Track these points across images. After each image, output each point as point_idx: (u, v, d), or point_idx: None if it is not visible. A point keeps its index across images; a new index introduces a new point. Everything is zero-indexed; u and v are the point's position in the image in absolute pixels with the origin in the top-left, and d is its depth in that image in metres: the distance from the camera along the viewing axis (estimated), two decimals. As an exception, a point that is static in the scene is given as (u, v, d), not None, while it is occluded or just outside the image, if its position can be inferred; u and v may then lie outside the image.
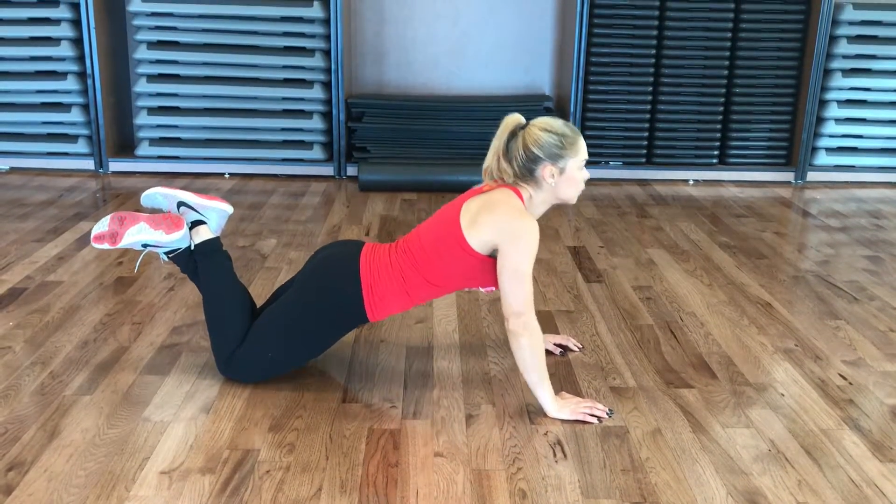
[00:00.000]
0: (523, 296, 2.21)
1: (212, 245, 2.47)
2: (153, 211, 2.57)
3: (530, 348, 2.22)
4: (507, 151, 2.31)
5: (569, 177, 2.30)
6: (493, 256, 2.29)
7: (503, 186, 2.33)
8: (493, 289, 2.41)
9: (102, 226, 2.43)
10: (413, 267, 2.32)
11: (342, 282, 2.34)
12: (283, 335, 2.35)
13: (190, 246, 2.46)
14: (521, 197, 2.31)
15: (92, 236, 2.44)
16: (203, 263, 2.45)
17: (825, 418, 2.32)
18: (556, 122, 2.30)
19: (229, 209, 2.58)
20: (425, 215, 4.27)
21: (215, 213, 2.54)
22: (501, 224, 2.24)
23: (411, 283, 2.33)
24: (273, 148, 5.04)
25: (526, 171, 2.30)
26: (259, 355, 2.37)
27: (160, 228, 2.41)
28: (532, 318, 2.22)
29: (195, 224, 2.48)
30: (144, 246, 2.43)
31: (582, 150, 2.31)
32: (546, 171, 2.28)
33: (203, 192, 2.59)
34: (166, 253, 2.46)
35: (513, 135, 2.31)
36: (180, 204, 2.51)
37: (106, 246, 2.42)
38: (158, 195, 2.53)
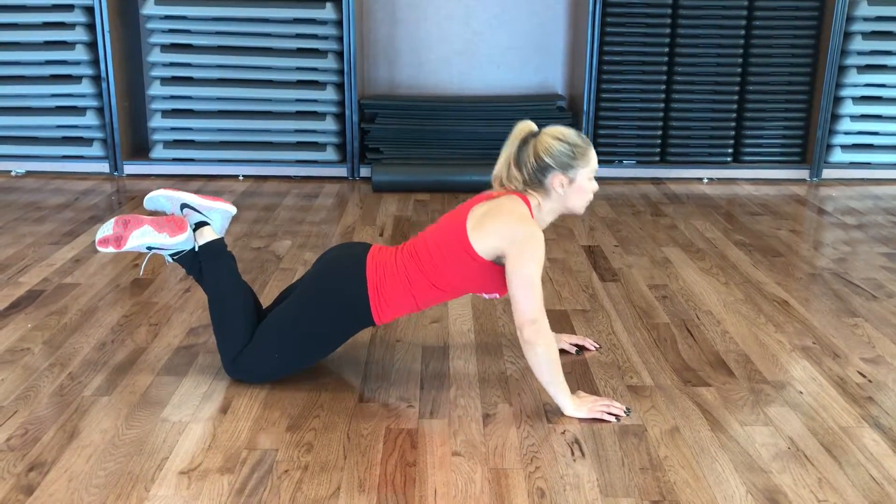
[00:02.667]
0: (535, 302, 2.20)
1: (216, 246, 2.48)
2: (157, 213, 2.59)
3: (546, 355, 2.21)
4: (517, 158, 2.31)
5: (578, 187, 2.31)
6: (497, 263, 2.29)
7: (511, 193, 2.33)
8: (497, 295, 2.42)
9: (107, 229, 2.44)
10: (419, 270, 2.32)
11: (348, 282, 2.34)
12: (289, 336, 2.36)
13: (194, 248, 2.47)
14: (528, 205, 2.31)
15: (96, 240, 2.45)
16: (207, 265, 2.46)
17: (844, 416, 2.31)
18: (568, 132, 2.30)
19: (232, 210, 2.59)
20: (438, 216, 4.25)
21: (219, 214, 2.55)
22: (507, 230, 2.23)
23: (416, 286, 2.33)
24: (287, 150, 5.05)
25: (535, 179, 2.29)
26: (265, 356, 2.37)
27: (164, 231, 2.42)
28: (545, 324, 2.21)
29: (199, 225, 2.49)
30: (149, 248, 2.45)
31: (593, 161, 2.31)
32: (556, 180, 2.28)
33: (210, 194, 2.60)
34: (171, 255, 2.47)
35: (524, 142, 2.31)
36: (183, 206, 2.52)
37: (111, 249, 2.43)
38: (162, 198, 2.54)
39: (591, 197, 2.35)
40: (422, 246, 2.35)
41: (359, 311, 2.35)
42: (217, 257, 2.47)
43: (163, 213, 2.56)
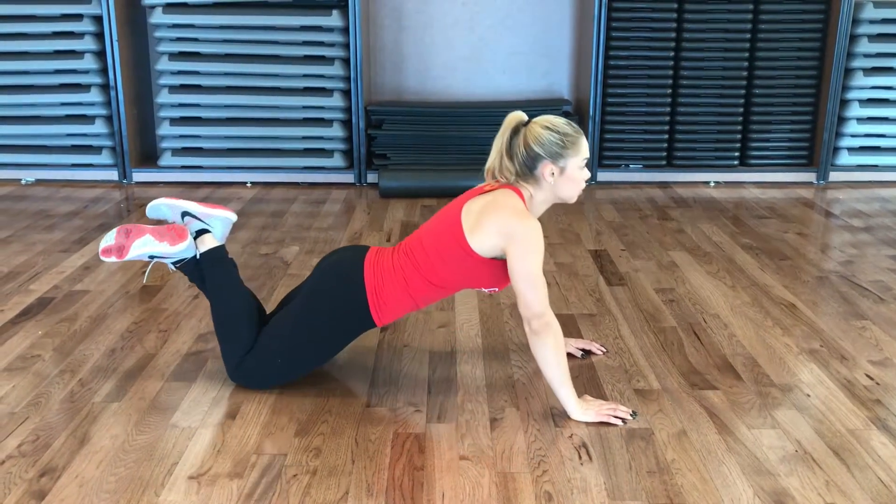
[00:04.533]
0: (540, 296, 2.22)
1: (217, 253, 2.50)
2: (158, 222, 2.60)
3: (554, 347, 2.22)
4: (509, 149, 2.31)
5: (569, 176, 2.30)
6: (495, 258, 2.30)
7: (504, 187, 2.33)
8: (496, 289, 2.42)
9: (109, 239, 2.46)
10: (415, 269, 2.33)
11: (347, 286, 2.35)
12: (290, 341, 2.37)
13: (196, 255, 2.48)
14: (521, 197, 2.31)
15: (100, 250, 2.46)
16: (209, 272, 2.48)
17: (852, 419, 2.31)
18: (558, 121, 2.30)
19: (233, 217, 2.60)
20: (446, 221, 4.28)
21: (219, 222, 2.56)
22: (504, 226, 2.24)
23: (413, 286, 2.34)
24: (294, 156, 5.08)
25: (526, 168, 2.30)
26: (268, 361, 2.39)
27: (164, 240, 2.43)
28: (552, 317, 2.23)
29: (200, 233, 2.51)
30: (151, 257, 2.46)
31: (583, 150, 2.30)
32: (546, 169, 2.28)
33: (210, 202, 2.61)
34: (173, 263, 2.49)
35: (515, 132, 2.31)
36: (184, 214, 2.54)
37: (113, 259, 2.45)
38: (163, 206, 2.56)
39: (583, 185, 2.34)
40: (417, 245, 2.35)
41: (359, 315, 2.36)
42: (218, 264, 2.49)
43: (164, 222, 2.58)
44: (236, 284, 2.50)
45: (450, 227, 2.31)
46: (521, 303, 2.23)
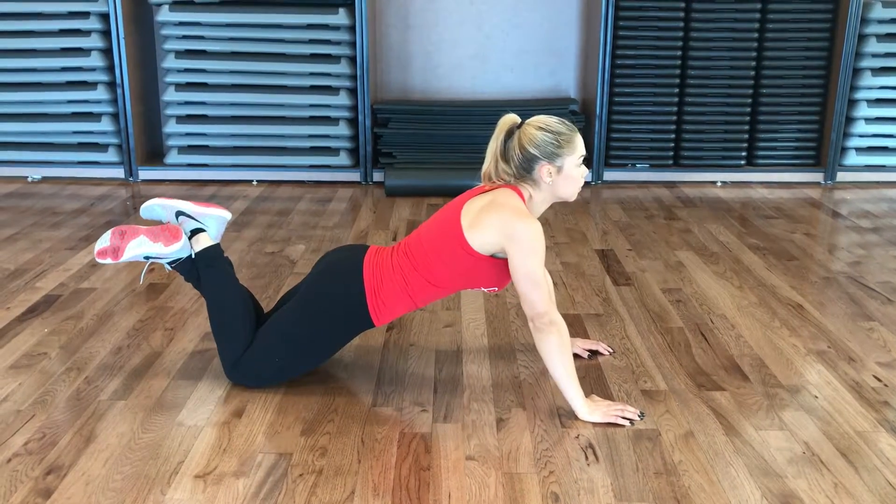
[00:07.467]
0: (542, 296, 2.22)
1: (212, 252, 2.50)
2: (153, 223, 2.60)
3: (558, 344, 2.22)
4: (504, 152, 2.32)
5: (566, 175, 2.30)
6: (494, 256, 2.30)
7: (504, 187, 2.33)
8: (496, 289, 2.42)
9: (104, 241, 2.45)
10: (414, 269, 2.33)
11: (346, 286, 2.35)
12: (289, 340, 2.37)
13: (191, 255, 2.48)
14: (521, 196, 2.31)
15: (95, 251, 2.46)
16: (205, 271, 2.47)
17: (860, 420, 2.30)
18: (551, 120, 2.29)
19: (227, 215, 2.60)
20: (452, 220, 4.27)
21: (214, 221, 2.56)
22: (504, 226, 2.23)
23: (413, 286, 2.34)
24: (300, 155, 5.08)
25: (524, 170, 2.30)
26: (266, 360, 2.38)
27: (159, 241, 2.43)
28: (556, 314, 2.23)
29: (195, 232, 2.51)
30: (147, 258, 2.46)
31: (579, 147, 2.30)
32: (544, 170, 2.28)
33: (204, 200, 2.61)
34: (169, 263, 2.49)
35: (509, 135, 2.32)
36: (178, 214, 2.54)
37: (109, 261, 2.44)
38: (157, 207, 2.56)
39: (581, 183, 2.34)
40: (416, 245, 2.35)
41: (358, 314, 2.36)
42: (213, 263, 2.48)
43: (159, 223, 2.58)
44: (232, 283, 2.49)
45: (449, 225, 2.31)
46: (525, 302, 2.24)
